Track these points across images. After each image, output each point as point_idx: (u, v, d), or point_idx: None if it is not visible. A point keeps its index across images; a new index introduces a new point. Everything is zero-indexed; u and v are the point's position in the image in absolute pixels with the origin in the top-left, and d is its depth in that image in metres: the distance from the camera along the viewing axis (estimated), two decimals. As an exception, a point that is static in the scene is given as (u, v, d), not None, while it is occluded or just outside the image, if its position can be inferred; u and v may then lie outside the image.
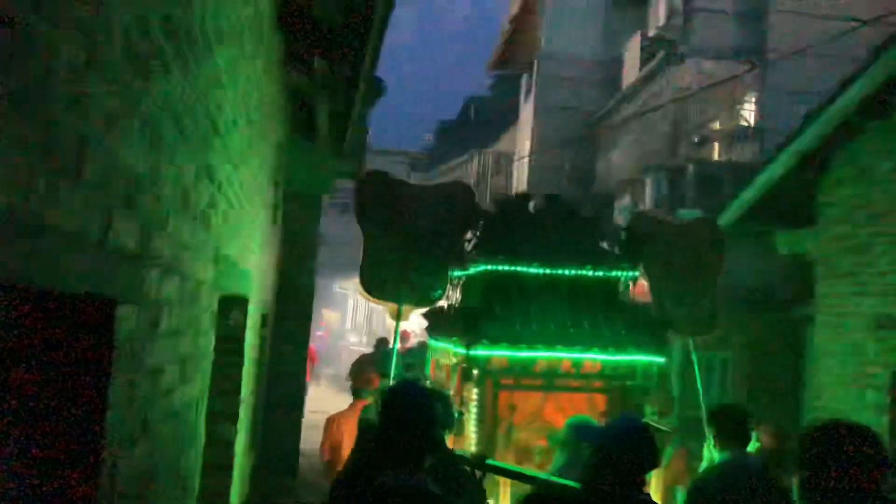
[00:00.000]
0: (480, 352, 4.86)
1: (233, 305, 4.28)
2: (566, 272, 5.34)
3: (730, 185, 13.26)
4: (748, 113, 14.93)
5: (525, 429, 5.04)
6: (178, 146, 2.17)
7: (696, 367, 5.94)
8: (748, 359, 7.77)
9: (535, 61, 20.43)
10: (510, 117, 24.56)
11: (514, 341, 4.95)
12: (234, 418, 4.45)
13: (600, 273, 5.36)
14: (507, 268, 5.29)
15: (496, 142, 25.57)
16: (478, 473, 3.80)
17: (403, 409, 2.70)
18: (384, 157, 33.14)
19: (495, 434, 4.88)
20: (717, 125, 15.53)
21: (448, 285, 5.72)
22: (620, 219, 11.61)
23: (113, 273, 1.55)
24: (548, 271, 5.33)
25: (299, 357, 9.69)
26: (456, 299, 5.81)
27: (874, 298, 5.96)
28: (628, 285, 5.53)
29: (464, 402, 4.95)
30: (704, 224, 6.78)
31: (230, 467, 4.51)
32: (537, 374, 5.02)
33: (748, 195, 7.26)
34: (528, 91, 21.65)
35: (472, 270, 5.49)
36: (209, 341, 3.21)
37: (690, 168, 14.03)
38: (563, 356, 5.01)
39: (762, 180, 6.97)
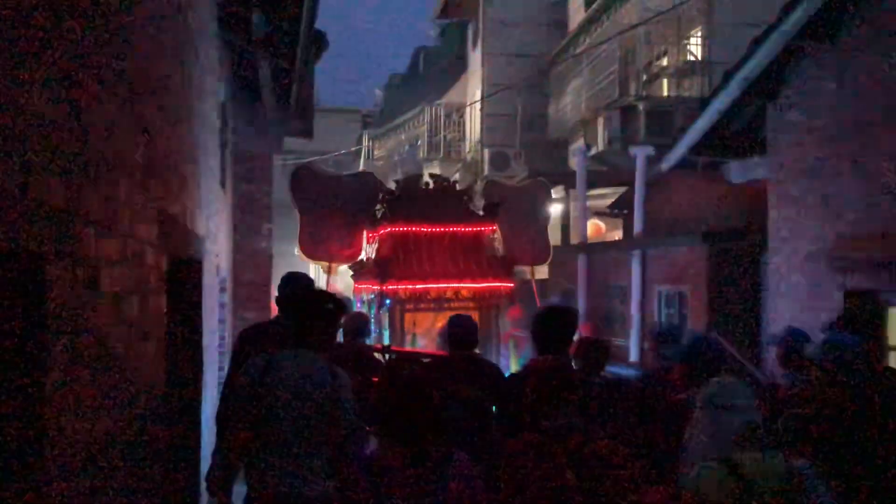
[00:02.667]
0: (390, 287, 7.69)
1: (184, 268, 4.17)
2: (447, 229, 8.13)
3: (680, 119, 13.31)
4: (695, 47, 14.92)
5: (424, 337, 7.80)
6: (105, 99, 2.06)
7: (534, 288, 9.35)
8: (706, 290, 7.87)
9: (481, 6, 20.16)
10: (460, 67, 24.32)
11: (413, 278, 7.75)
12: (195, 384, 4.38)
13: (469, 228, 8.25)
14: (406, 228, 8.02)
15: (447, 93, 25.32)
16: (385, 357, 5.67)
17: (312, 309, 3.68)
18: (335, 115, 32.74)
19: (403, 342, 7.56)
20: (665, 62, 15.53)
21: (364, 245, 8.61)
22: (575, 161, 11.62)
23: (39, 229, 1.46)
24: (434, 229, 8.09)
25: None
26: (372, 253, 8.44)
27: (824, 221, 6.05)
28: (489, 236, 8.41)
29: (380, 321, 7.73)
30: (538, 184, 10.24)
31: (196, 433, 4.45)
32: (430, 300, 7.89)
33: (698, 126, 7.28)
34: (476, 38, 21.40)
35: (382, 232, 8.19)
36: (160, 306, 3.12)
37: (641, 106, 14.04)
38: (447, 286, 7.88)
39: (711, 110, 6.99)
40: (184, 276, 4.23)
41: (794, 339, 4.68)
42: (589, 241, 11.44)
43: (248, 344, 4.47)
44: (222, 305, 7.69)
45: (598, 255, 10.62)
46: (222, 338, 7.60)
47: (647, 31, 14.76)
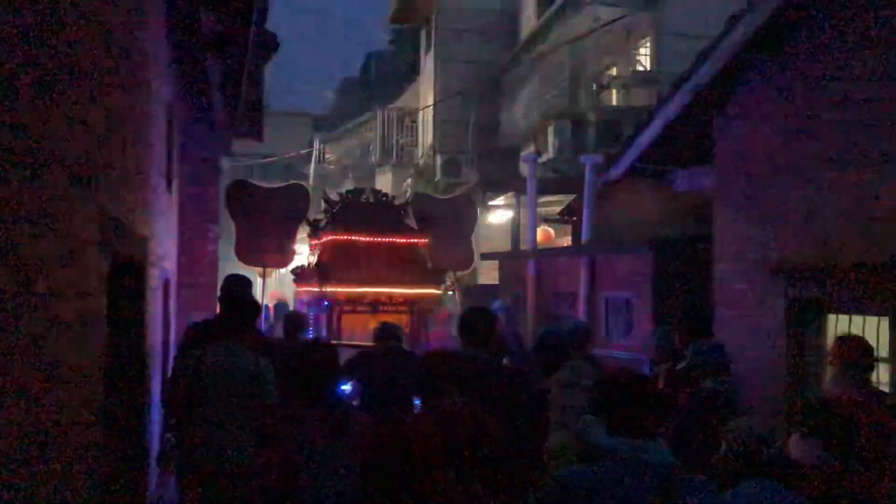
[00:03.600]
0: (329, 290, 8.52)
1: (127, 270, 4.08)
2: (384, 239, 9.02)
3: (629, 128, 13.52)
4: (645, 58, 15.17)
5: (359, 337, 7.81)
6: (43, 93, 2.00)
7: (455, 292, 11.55)
8: (651, 297, 7.98)
9: (434, 13, 20.22)
10: (413, 72, 24.34)
11: (351, 282, 8.58)
12: (139, 386, 4.28)
13: (404, 240, 9.19)
14: (346, 237, 8.90)
15: (399, 98, 25.31)
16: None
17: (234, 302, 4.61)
18: (285, 118, 32.45)
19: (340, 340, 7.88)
20: (614, 71, 15.76)
21: (294, 250, 9.92)
22: (527, 167, 11.72)
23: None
24: (372, 239, 8.98)
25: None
26: (314, 258, 9.34)
27: (768, 230, 6.18)
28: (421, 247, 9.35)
29: (319, 321, 8.51)
30: (463, 198, 11.93)
31: (138, 433, 4.35)
32: (366, 303, 8.68)
33: (646, 135, 7.38)
34: (429, 44, 21.44)
35: (324, 239, 9.10)
36: (100, 307, 3.04)
37: (591, 115, 14.23)
38: (381, 291, 8.73)
39: (659, 120, 7.09)
40: (126, 278, 4.13)
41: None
42: (538, 248, 11.52)
43: (192, 339, 5.09)
44: (167, 308, 7.53)
45: (548, 261, 10.70)
46: (166, 341, 7.44)
47: (597, 42, 14.97)
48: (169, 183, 7.05)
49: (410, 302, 8.84)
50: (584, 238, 9.32)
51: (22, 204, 1.77)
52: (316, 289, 8.67)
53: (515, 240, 14.01)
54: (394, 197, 10.37)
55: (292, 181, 11.53)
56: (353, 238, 8.95)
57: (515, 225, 14.16)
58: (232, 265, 9.51)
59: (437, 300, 9.25)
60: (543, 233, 13.83)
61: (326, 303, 8.57)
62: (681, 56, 12.81)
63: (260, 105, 9.74)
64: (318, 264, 9.00)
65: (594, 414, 2.70)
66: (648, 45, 15.24)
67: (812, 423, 2.96)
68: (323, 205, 9.85)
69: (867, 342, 4.19)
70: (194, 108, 8.86)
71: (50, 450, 2.10)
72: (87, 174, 2.64)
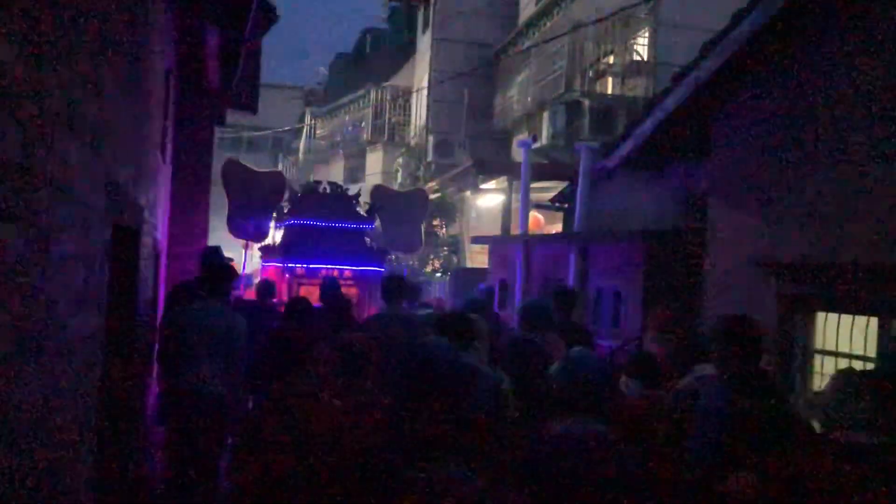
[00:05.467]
0: (289, 265, 10.28)
1: (125, 238, 4.05)
2: (337, 224, 10.78)
3: (623, 118, 13.52)
4: (642, 48, 15.15)
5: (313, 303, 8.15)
6: (59, 55, 1.97)
7: (405, 270, 12.74)
8: (641, 288, 8.01)
9: (433, -8, 20.09)
10: (408, 50, 24.16)
11: (308, 259, 10.35)
12: (132, 352, 4.27)
13: (354, 225, 10.98)
14: (305, 222, 10.69)
15: (394, 76, 25.15)
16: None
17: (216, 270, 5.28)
18: (276, 91, 32.19)
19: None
20: (611, 60, 15.73)
21: (272, 230, 11.53)
22: (521, 152, 11.72)
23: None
24: (327, 224, 10.73)
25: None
26: (278, 238, 11.16)
27: (761, 226, 6.22)
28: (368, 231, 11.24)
29: (281, 289, 9.57)
30: (417, 192, 14.34)
31: (136, 398, 4.34)
32: (320, 277, 9.45)
33: (645, 125, 7.39)
34: (426, 23, 21.30)
35: (287, 223, 10.85)
36: (102, 274, 3.02)
37: (586, 102, 14.20)
38: (333, 267, 10.35)
39: (659, 111, 7.10)
40: (124, 246, 4.10)
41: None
42: (529, 234, 11.54)
43: (176, 297, 6.02)
44: (157, 277, 7.49)
45: (538, 248, 10.72)
46: (154, 310, 7.42)
47: (595, 30, 14.93)
48: (163, 152, 7.00)
49: (358, 277, 10.66)
50: (577, 226, 9.33)
51: (43, 167, 1.76)
52: (279, 263, 10.37)
53: (506, 224, 14.02)
54: (347, 189, 11.94)
55: (273, 169, 13.17)
56: (311, 222, 10.77)
57: (506, 209, 14.16)
58: (218, 237, 10.48)
59: (379, 276, 10.66)
60: (533, 219, 13.85)
61: (287, 275, 10.32)
62: (678, 48, 12.81)
63: (257, 77, 9.67)
64: (281, 243, 10.82)
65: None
66: (646, 34, 15.22)
67: (635, 369, 4.39)
68: (288, 193, 11.59)
69: (669, 314, 5.19)
70: (190, 78, 8.78)
71: (55, 415, 2.10)
72: (96, 140, 2.62)
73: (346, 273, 10.47)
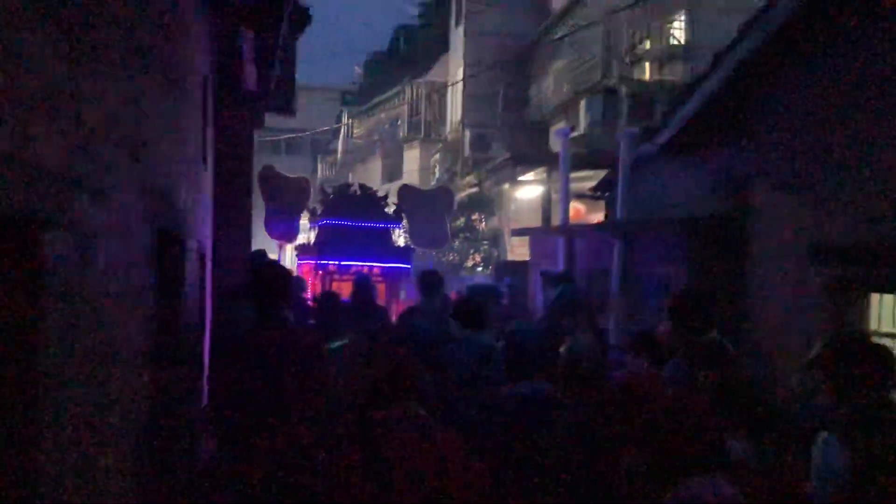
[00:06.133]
0: (322, 262, 11.16)
1: (168, 243, 4.08)
2: (366, 224, 11.63)
3: (662, 103, 13.32)
4: (679, 32, 14.92)
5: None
6: (99, 61, 1.98)
7: (431, 263, 13.74)
8: (687, 275, 7.87)
9: (464, -14, 20.03)
10: (442, 46, 24.12)
11: (340, 256, 11.16)
12: (178, 356, 4.31)
13: (382, 224, 11.89)
14: (337, 222, 11.58)
15: (428, 72, 25.14)
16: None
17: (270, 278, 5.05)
18: (313, 93, 32.39)
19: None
20: (647, 45, 15.52)
21: (307, 230, 12.59)
22: (559, 143, 11.63)
23: (35, 193, 1.39)
24: (357, 223, 11.57)
25: (240, 297, 9.53)
26: (312, 237, 12.13)
27: (808, 209, 6.07)
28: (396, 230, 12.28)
29: (315, 286, 10.45)
30: (442, 189, 15.24)
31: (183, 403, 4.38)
32: (351, 273, 10.52)
33: (685, 110, 7.26)
34: (458, 17, 21.24)
35: (320, 222, 11.82)
36: (147, 281, 3.05)
37: (623, 89, 14.05)
38: (363, 264, 11.08)
39: (699, 94, 6.96)
40: (168, 251, 4.14)
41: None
42: (570, 224, 11.43)
43: (231, 304, 6.01)
44: (203, 280, 7.58)
45: (580, 239, 10.62)
46: (202, 314, 7.50)
47: (630, 15, 14.74)
48: (204, 156, 7.06)
49: (386, 273, 11.39)
50: (619, 215, 9.21)
51: (82, 173, 1.76)
52: (313, 261, 11.33)
53: (546, 216, 13.92)
54: (376, 191, 13.14)
55: (299, 174, 13.97)
56: (342, 222, 11.69)
57: (546, 200, 14.06)
58: (258, 240, 10.48)
59: (406, 273, 11.85)
60: (574, 209, 13.71)
61: (321, 272, 11.21)
62: (716, 30, 12.57)
63: (293, 79, 9.72)
64: (315, 242, 11.80)
65: None
66: (683, 18, 14.98)
67: (638, 347, 4.74)
68: (321, 195, 12.62)
69: (682, 296, 5.24)
70: (228, 83, 8.85)
71: (103, 427, 2.11)
72: (136, 147, 2.64)
73: (375, 269, 11.20)
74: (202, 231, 6.87)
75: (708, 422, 2.45)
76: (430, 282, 6.39)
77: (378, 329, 5.20)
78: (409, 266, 11.79)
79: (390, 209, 12.21)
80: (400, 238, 12.67)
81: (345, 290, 10.08)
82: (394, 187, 16.41)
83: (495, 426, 3.28)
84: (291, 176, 13.38)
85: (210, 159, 8.13)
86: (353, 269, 10.88)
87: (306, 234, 13.19)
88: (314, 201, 13.50)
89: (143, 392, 2.91)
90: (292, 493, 3.31)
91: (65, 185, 1.63)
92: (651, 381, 4.04)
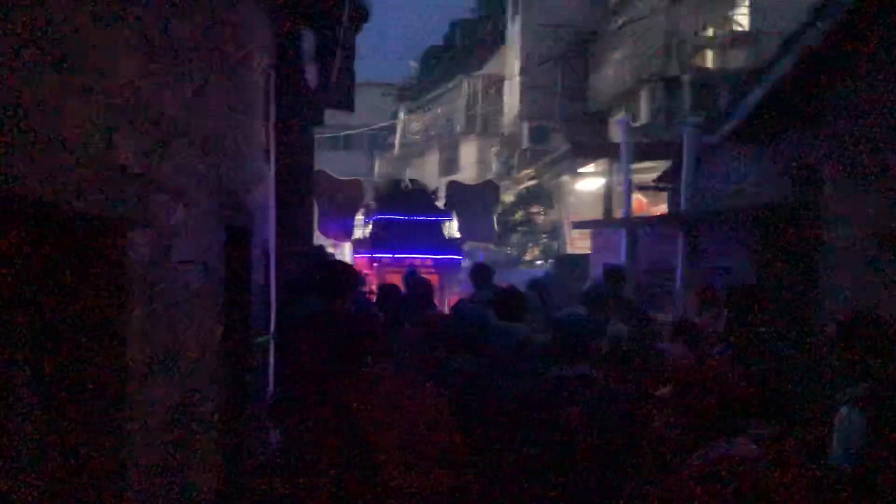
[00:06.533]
0: (377, 255, 11.67)
1: (237, 239, 4.15)
2: (418, 218, 11.98)
3: (725, 91, 13.02)
4: (742, 18, 14.56)
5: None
6: (172, 65, 2.01)
7: (480, 256, 14.07)
8: (755, 267, 7.68)
9: (520, -22, 19.87)
10: (498, 39, 24.01)
11: (394, 250, 11.58)
12: (251, 352, 4.39)
13: (433, 218, 12.26)
14: (390, 217, 12.01)
15: (484, 65, 25.07)
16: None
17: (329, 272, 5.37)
18: (371, 89, 32.59)
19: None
20: (710, 32, 15.19)
21: (356, 226, 13.02)
22: (619, 133, 11.47)
23: (119, 194, 1.41)
24: (409, 217, 11.92)
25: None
26: (367, 233, 12.57)
27: (883, 198, 5.85)
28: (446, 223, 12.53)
29: (371, 279, 10.59)
30: (489, 184, 15.42)
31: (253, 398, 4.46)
32: (405, 265, 10.49)
33: (752, 97, 7.06)
34: (515, 9, 21.11)
35: (374, 218, 12.34)
36: (219, 277, 3.10)
37: (685, 78, 13.78)
38: (416, 256, 11.42)
39: (767, 80, 6.76)
40: (236, 248, 4.20)
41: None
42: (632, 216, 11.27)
43: (293, 297, 5.90)
44: (268, 277, 7.69)
45: (643, 231, 10.46)
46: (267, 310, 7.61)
47: (692, 2, 14.43)
48: (267, 153, 7.16)
49: (438, 264, 11.80)
50: (683, 206, 9.04)
51: (159, 174, 1.79)
52: (368, 255, 11.86)
53: (607, 208, 13.74)
54: (426, 186, 13.84)
55: (353, 177, 14.74)
56: (395, 217, 12.12)
57: (607, 192, 13.89)
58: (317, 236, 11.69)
59: (457, 264, 12.37)
60: (635, 201, 13.52)
61: (376, 265, 11.67)
62: (781, 15, 12.22)
63: (352, 75, 9.78)
64: (370, 237, 12.27)
65: None
66: (746, 3, 14.62)
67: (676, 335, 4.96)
68: (375, 192, 13.45)
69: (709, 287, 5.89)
70: (289, 81, 8.95)
71: (179, 421, 2.15)
72: (206, 146, 2.68)
73: (427, 261, 11.57)
74: (267, 227, 6.98)
75: (735, 391, 2.56)
76: (481, 274, 6.83)
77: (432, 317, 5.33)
78: (460, 258, 12.30)
79: (440, 203, 12.76)
80: (450, 231, 12.99)
81: (396, 281, 10.36)
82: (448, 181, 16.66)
83: (531, 404, 3.52)
84: (344, 179, 13.89)
85: (273, 156, 8.25)
86: (407, 262, 11.20)
87: (361, 229, 13.65)
88: (368, 198, 14.09)
89: (218, 386, 2.96)
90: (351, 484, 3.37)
91: (144, 185, 1.66)
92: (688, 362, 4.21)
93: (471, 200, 13.78)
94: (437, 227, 12.41)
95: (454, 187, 14.32)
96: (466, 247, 13.88)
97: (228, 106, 3.53)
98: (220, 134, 3.16)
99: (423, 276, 8.30)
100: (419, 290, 7.46)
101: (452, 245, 12.29)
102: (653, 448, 3.23)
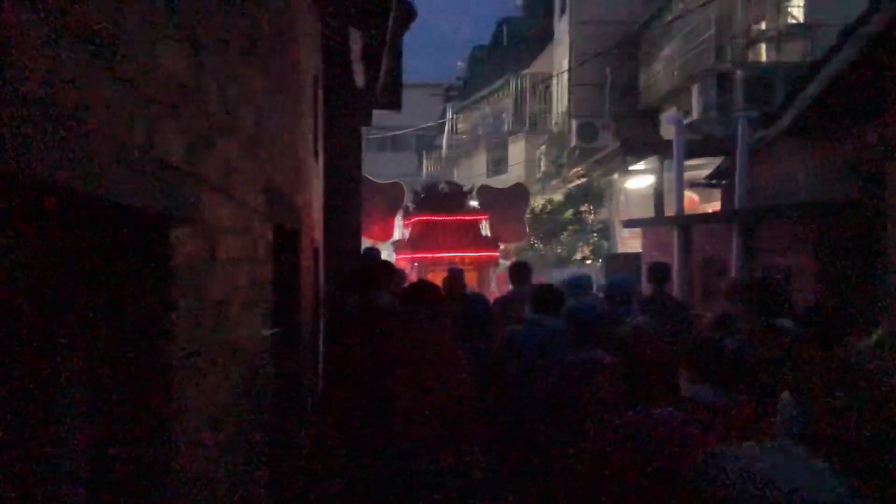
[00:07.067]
0: (418, 255, 12.39)
1: (285, 239, 4.16)
2: (455, 218, 12.53)
3: (780, 86, 12.70)
4: (797, 10, 14.19)
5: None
6: (219, 61, 2.01)
7: (501, 259, 14.08)
8: (814, 265, 7.47)
9: (568, -25, 19.70)
10: (545, 37, 23.85)
11: (433, 249, 12.25)
12: (298, 351, 4.40)
13: (469, 217, 12.96)
14: (428, 218, 12.57)
15: (532, 63, 24.92)
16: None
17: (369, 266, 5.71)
18: (417, 89, 32.67)
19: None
20: (763, 25, 14.84)
21: (402, 229, 13.86)
22: (670, 130, 11.29)
23: (163, 190, 1.40)
24: (447, 218, 12.51)
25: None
26: (406, 234, 13.35)
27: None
28: (481, 223, 13.41)
29: (411, 277, 10.61)
30: (518, 186, 15.67)
31: (303, 397, 4.47)
32: (443, 264, 11.05)
33: (809, 90, 6.86)
34: (563, 6, 20.93)
35: (413, 220, 12.91)
36: (267, 276, 3.10)
37: (738, 73, 13.48)
38: (454, 255, 11.93)
39: (824, 73, 6.56)
40: (285, 246, 4.22)
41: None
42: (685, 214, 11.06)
43: (339, 289, 6.45)
44: (317, 274, 7.75)
45: (695, 228, 10.26)
46: (317, 304, 7.67)
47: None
48: (316, 153, 7.20)
49: (475, 262, 12.41)
50: (737, 203, 8.84)
51: (205, 171, 1.78)
52: (409, 254, 12.36)
53: (659, 206, 13.53)
54: (462, 186, 14.20)
55: (394, 180, 14.84)
56: (433, 218, 12.65)
57: (658, 190, 13.67)
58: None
59: (495, 262, 12.95)
60: (687, 199, 13.27)
61: (416, 264, 12.16)
62: (837, 6, 11.86)
63: (399, 75, 9.78)
64: (409, 238, 12.86)
65: None
66: (802, -6, 14.25)
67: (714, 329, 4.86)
68: (412, 195, 13.72)
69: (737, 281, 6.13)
70: (337, 81, 9.00)
71: (228, 418, 2.15)
72: (253, 144, 2.68)
73: (466, 259, 12.17)
74: (315, 225, 7.02)
75: (669, 365, 2.81)
76: (520, 271, 7.19)
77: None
78: (496, 255, 12.94)
79: (475, 203, 13.38)
80: (486, 230, 13.61)
81: (436, 278, 10.64)
82: (499, 181, 16.76)
83: (544, 386, 3.86)
84: (384, 182, 14.34)
85: (321, 155, 8.31)
86: (447, 260, 11.75)
87: (401, 230, 14.26)
88: (408, 200, 14.60)
89: (267, 383, 2.96)
90: (399, 480, 3.40)
91: (190, 181, 1.65)
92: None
93: (501, 203, 14.32)
94: (474, 225, 13.05)
95: (484, 191, 14.88)
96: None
97: (277, 105, 3.54)
98: (269, 133, 3.16)
99: (477, 294, 8.40)
100: (479, 305, 7.65)
101: (489, 242, 12.88)
102: (598, 411, 3.53)
